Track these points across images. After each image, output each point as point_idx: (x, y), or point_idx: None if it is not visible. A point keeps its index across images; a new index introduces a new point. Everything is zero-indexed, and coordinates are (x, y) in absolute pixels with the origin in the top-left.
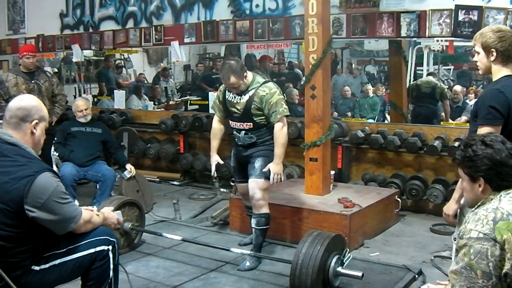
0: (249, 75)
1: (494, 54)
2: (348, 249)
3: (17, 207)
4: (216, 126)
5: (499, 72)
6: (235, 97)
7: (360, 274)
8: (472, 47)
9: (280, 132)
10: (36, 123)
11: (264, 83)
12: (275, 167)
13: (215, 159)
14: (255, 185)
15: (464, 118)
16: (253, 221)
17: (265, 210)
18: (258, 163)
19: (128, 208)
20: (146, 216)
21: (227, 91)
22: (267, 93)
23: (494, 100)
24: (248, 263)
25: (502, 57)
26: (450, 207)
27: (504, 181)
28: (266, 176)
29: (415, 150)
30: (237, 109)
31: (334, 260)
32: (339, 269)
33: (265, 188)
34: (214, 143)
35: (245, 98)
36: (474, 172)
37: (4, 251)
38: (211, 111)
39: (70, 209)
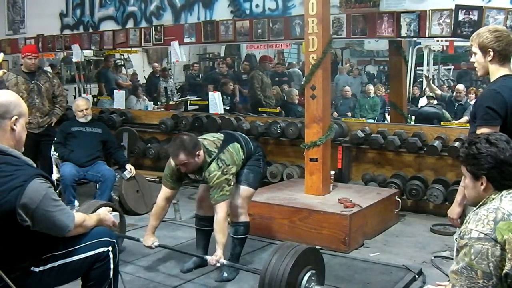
0: (202, 155)
1: (491, 54)
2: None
3: (10, 219)
4: (162, 204)
5: (496, 72)
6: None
7: None
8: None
9: (217, 221)
10: (16, 119)
11: (210, 163)
12: (220, 253)
13: (151, 240)
14: (236, 190)
15: (465, 118)
16: (231, 230)
17: (244, 218)
18: (244, 170)
19: None
20: (146, 217)
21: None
22: (207, 176)
23: (491, 100)
24: (225, 274)
25: (499, 57)
26: (453, 211)
27: (506, 180)
28: (249, 183)
29: (415, 150)
30: (199, 178)
31: (306, 276)
32: (313, 285)
33: (246, 196)
34: (155, 223)
35: (203, 175)
36: (477, 170)
37: (3, 253)
38: (211, 111)
39: (61, 218)
